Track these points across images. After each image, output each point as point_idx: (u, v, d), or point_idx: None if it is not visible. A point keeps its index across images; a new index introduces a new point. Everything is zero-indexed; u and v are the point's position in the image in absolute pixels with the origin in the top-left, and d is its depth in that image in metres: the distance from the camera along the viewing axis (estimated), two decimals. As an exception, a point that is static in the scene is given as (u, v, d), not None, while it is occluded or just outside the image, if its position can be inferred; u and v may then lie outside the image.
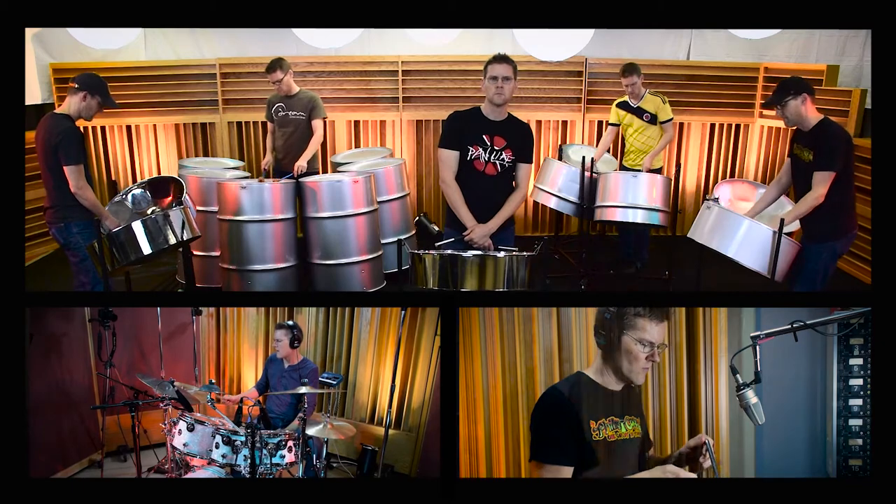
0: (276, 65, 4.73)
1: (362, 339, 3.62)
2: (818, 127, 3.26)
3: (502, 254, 2.87)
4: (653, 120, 4.90)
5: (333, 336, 3.72)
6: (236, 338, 3.89)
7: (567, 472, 1.80)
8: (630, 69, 4.88)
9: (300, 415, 2.96)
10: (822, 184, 3.19)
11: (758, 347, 2.14)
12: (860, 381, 2.48)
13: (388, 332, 3.54)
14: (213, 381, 3.53)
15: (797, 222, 3.56)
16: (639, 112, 4.95)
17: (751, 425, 2.55)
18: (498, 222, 3.18)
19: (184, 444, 2.88)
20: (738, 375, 2.11)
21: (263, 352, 3.79)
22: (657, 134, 4.93)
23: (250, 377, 3.84)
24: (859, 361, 2.48)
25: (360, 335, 3.63)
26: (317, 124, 4.87)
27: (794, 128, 3.39)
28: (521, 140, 3.20)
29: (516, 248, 2.98)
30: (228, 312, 3.86)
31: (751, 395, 2.10)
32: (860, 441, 2.47)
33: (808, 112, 3.26)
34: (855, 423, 2.49)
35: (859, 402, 2.48)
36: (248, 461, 2.81)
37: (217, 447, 2.85)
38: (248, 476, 2.82)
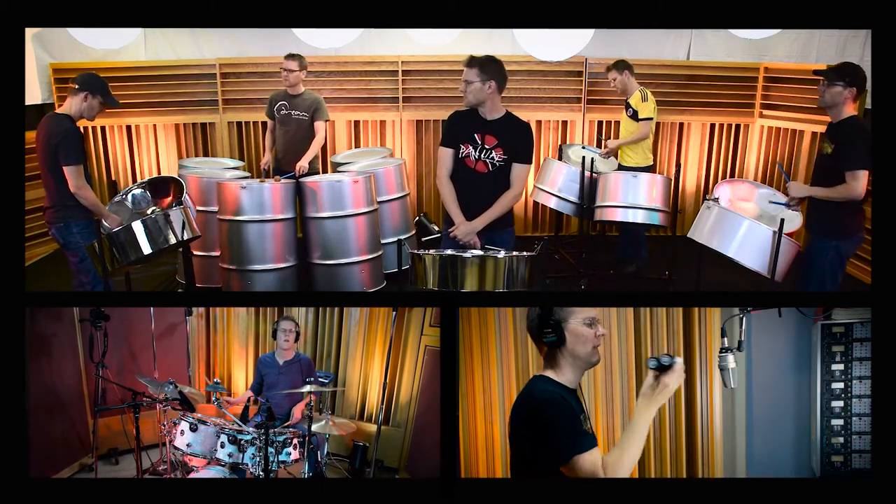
0: (297, 57, 4.79)
1: (351, 338, 3.64)
2: (848, 122, 3.22)
3: (502, 254, 2.87)
4: (634, 115, 4.91)
5: (323, 335, 3.74)
6: (226, 338, 3.89)
7: (598, 454, 1.77)
8: (611, 66, 4.98)
9: (305, 412, 2.97)
10: (859, 183, 3.13)
11: (744, 319, 2.25)
12: (841, 385, 2.60)
13: (376, 331, 3.56)
14: (218, 380, 3.55)
15: (800, 218, 3.56)
16: (626, 106, 4.99)
17: (743, 425, 2.67)
18: (484, 221, 3.17)
19: (187, 445, 2.88)
20: (725, 339, 2.19)
21: (254, 352, 3.80)
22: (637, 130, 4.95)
23: (241, 377, 3.84)
24: (840, 367, 2.60)
25: (350, 334, 3.64)
26: (319, 126, 4.88)
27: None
28: (514, 140, 3.18)
29: (500, 250, 2.96)
30: (218, 312, 3.86)
31: (730, 360, 2.18)
32: (841, 439, 2.60)
33: (846, 105, 3.21)
34: (836, 422, 2.61)
35: (840, 403, 2.60)
36: (256, 459, 2.82)
37: (222, 446, 2.85)
38: (254, 474, 2.83)
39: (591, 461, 1.74)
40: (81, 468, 3.33)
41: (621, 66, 4.94)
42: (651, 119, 4.87)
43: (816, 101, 3.39)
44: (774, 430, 2.67)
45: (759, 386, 2.66)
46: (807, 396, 2.65)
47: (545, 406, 1.79)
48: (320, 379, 3.13)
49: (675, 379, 1.80)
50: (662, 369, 1.80)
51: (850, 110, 3.23)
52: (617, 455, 1.77)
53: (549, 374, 1.87)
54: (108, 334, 3.22)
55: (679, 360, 1.80)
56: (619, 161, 5.13)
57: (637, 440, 1.79)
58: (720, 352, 2.21)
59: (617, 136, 5.54)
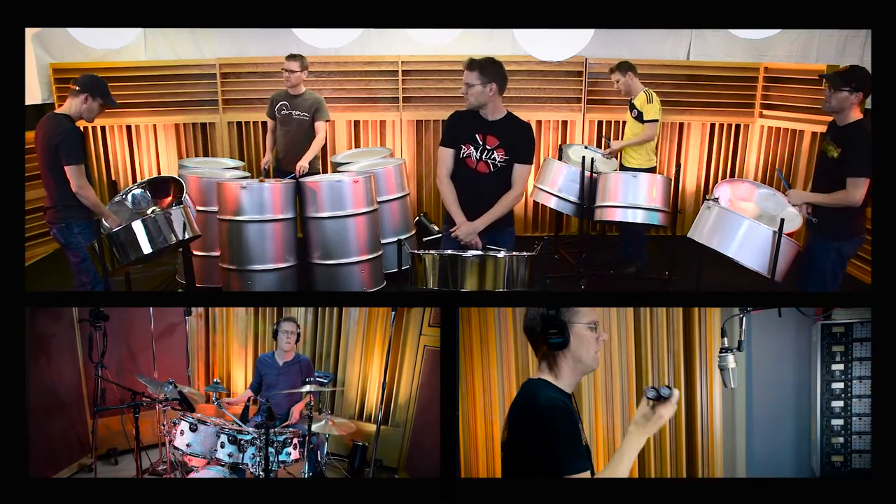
0: (298, 58, 4.79)
1: (350, 338, 3.64)
2: (854, 126, 3.18)
3: (502, 254, 2.87)
4: (639, 117, 4.90)
5: (322, 335, 3.74)
6: (225, 338, 3.89)
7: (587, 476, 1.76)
8: (614, 68, 4.96)
9: (305, 412, 2.97)
10: (858, 189, 3.12)
11: (744, 319, 2.25)
12: (841, 385, 2.60)
13: (375, 331, 3.57)
14: (218, 380, 3.55)
15: (800, 218, 3.56)
16: (630, 107, 4.98)
17: (743, 425, 2.66)
18: (485, 221, 3.17)
19: (187, 445, 2.88)
20: (725, 339, 2.19)
21: (253, 351, 3.80)
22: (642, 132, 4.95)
23: (240, 377, 3.84)
24: (840, 367, 2.59)
25: (349, 334, 3.65)
26: (320, 126, 4.88)
27: (830, 121, 3.32)
28: (516, 140, 3.18)
29: (500, 250, 2.96)
30: (217, 312, 3.86)
31: (730, 360, 2.18)
32: (841, 439, 2.60)
33: (852, 109, 3.18)
34: (836, 422, 2.60)
35: (840, 403, 2.60)
36: (257, 459, 2.82)
37: (222, 446, 2.85)
38: (254, 474, 2.84)
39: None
40: (81, 468, 3.32)
41: (624, 67, 4.93)
42: (656, 121, 4.87)
43: (816, 101, 3.41)
44: (774, 430, 2.66)
45: (759, 386, 2.66)
46: (807, 396, 2.64)
47: (549, 413, 1.74)
48: (319, 379, 3.13)
49: (670, 410, 1.78)
50: (660, 400, 1.78)
51: (856, 114, 3.20)
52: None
53: (548, 378, 1.83)
54: (107, 334, 3.22)
55: (676, 393, 1.79)
56: (622, 162, 5.13)
57: (624, 468, 1.76)
58: (720, 352, 2.20)
59: (619, 137, 5.54)
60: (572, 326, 1.81)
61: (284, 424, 3.21)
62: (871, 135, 3.10)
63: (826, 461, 2.60)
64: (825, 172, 3.32)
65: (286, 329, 3.37)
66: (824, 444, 2.60)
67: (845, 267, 3.41)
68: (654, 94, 4.87)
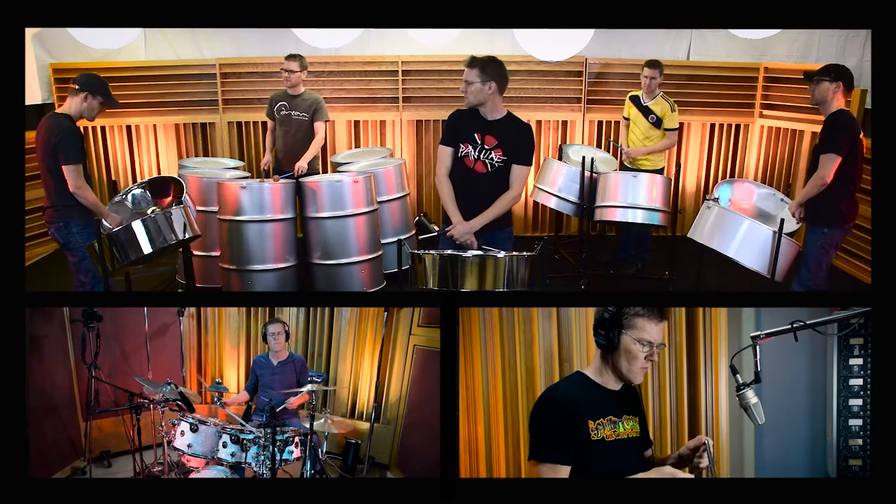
0: (298, 58, 4.79)
1: (342, 337, 3.65)
2: (832, 114, 3.36)
3: (502, 254, 2.87)
4: (657, 123, 4.89)
5: (314, 334, 3.75)
6: (217, 338, 3.89)
7: (564, 471, 1.78)
8: (655, 63, 4.93)
9: (305, 411, 2.97)
10: (825, 166, 3.30)
11: (758, 347, 2.09)
12: (860, 381, 2.47)
13: (366, 330, 3.57)
14: (220, 381, 3.55)
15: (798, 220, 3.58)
16: (646, 111, 4.95)
17: (751, 425, 2.54)
18: (481, 221, 3.16)
19: (188, 446, 2.88)
20: (738, 375, 2.06)
21: (245, 352, 3.80)
22: (659, 138, 4.94)
23: (232, 377, 3.85)
24: (859, 361, 2.46)
25: (340, 333, 3.66)
26: (319, 126, 4.88)
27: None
28: (515, 141, 3.16)
29: (500, 251, 2.96)
30: (210, 312, 3.85)
31: (751, 395, 2.05)
32: (860, 441, 2.46)
33: (834, 100, 3.36)
34: (855, 423, 2.48)
35: (859, 402, 2.47)
36: (260, 458, 2.82)
37: (224, 446, 2.85)
38: (256, 472, 2.84)
39: (545, 473, 1.80)
40: (74, 471, 3.29)
41: (662, 67, 4.90)
42: (677, 129, 4.93)
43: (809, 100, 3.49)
44: (786, 432, 2.55)
45: (768, 383, 2.54)
46: (821, 394, 2.52)
47: (544, 403, 1.84)
48: (314, 378, 3.14)
49: (679, 473, 1.90)
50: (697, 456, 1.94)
51: (838, 104, 3.37)
52: None
53: (591, 371, 1.91)
54: (100, 335, 3.20)
55: (706, 460, 1.93)
56: (631, 163, 5.11)
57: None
58: (737, 390, 2.06)
59: (619, 136, 5.53)
60: (622, 335, 1.84)
61: (280, 409, 3.21)
62: (851, 120, 3.34)
63: (843, 465, 2.46)
64: (815, 162, 3.43)
65: (273, 331, 3.36)
66: (841, 447, 2.47)
67: (833, 255, 3.47)
68: (674, 102, 4.90)
